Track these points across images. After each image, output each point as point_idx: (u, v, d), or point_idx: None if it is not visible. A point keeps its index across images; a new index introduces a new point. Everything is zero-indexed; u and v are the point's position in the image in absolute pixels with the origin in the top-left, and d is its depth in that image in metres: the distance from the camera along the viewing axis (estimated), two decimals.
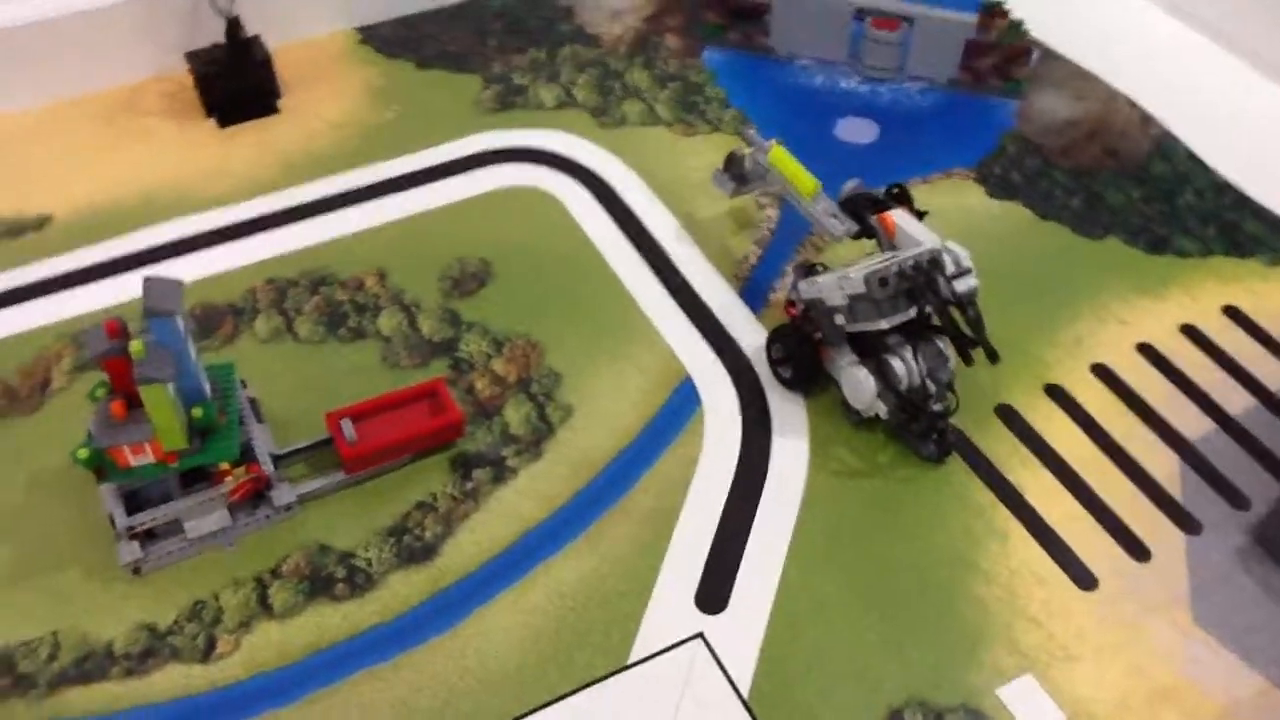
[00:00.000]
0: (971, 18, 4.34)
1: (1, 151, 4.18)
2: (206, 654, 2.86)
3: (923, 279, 3.15)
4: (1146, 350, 3.54)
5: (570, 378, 3.46)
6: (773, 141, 3.64)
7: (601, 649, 2.85)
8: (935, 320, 3.20)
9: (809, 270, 3.45)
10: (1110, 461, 3.25)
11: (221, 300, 3.66)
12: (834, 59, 4.56)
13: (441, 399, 3.26)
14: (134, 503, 2.99)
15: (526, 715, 2.73)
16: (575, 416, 3.36)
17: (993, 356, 3.20)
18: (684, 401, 3.40)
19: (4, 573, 3.00)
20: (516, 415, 3.36)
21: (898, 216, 3.37)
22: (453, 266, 3.77)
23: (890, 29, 4.40)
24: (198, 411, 2.91)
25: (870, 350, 3.26)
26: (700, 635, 2.88)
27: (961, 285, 3.23)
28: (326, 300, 3.66)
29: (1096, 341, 3.57)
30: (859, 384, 3.24)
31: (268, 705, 2.76)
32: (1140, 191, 4.08)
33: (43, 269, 3.75)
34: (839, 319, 3.23)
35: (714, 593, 2.97)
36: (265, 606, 2.95)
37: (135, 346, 2.74)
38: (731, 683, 2.78)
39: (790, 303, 3.49)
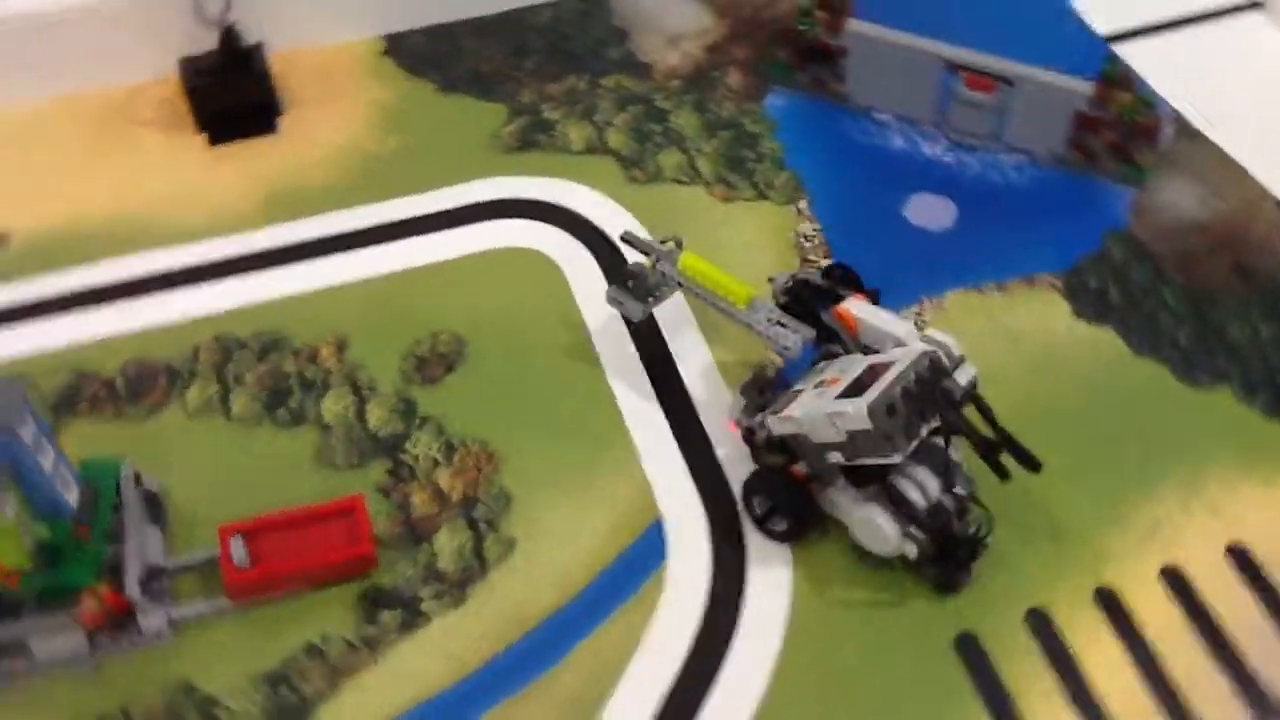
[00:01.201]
0: (1085, 86, 3.58)
1: None
2: None
3: (934, 393, 2.58)
4: (1240, 557, 2.80)
5: (522, 502, 2.93)
6: (677, 247, 3.09)
7: None
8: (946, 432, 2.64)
9: (763, 386, 2.85)
10: (1161, 712, 2.55)
11: (160, 356, 3.25)
12: (917, 117, 3.85)
13: (357, 523, 2.78)
14: None
15: None
16: (515, 555, 2.84)
17: (1031, 463, 2.69)
18: (647, 552, 2.83)
19: None
20: (449, 545, 2.86)
21: (855, 308, 2.82)
22: (423, 342, 3.27)
23: (985, 90, 3.67)
24: (42, 530, 2.50)
25: (868, 475, 2.66)
26: None
27: (964, 378, 2.69)
28: (272, 371, 3.21)
29: (1176, 533, 2.85)
30: (876, 528, 2.65)
31: None
32: (1272, 329, 3.29)
33: None
34: (834, 456, 2.63)
35: None
36: None
37: None
38: None
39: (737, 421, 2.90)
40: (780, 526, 2.82)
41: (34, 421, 2.44)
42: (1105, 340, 3.27)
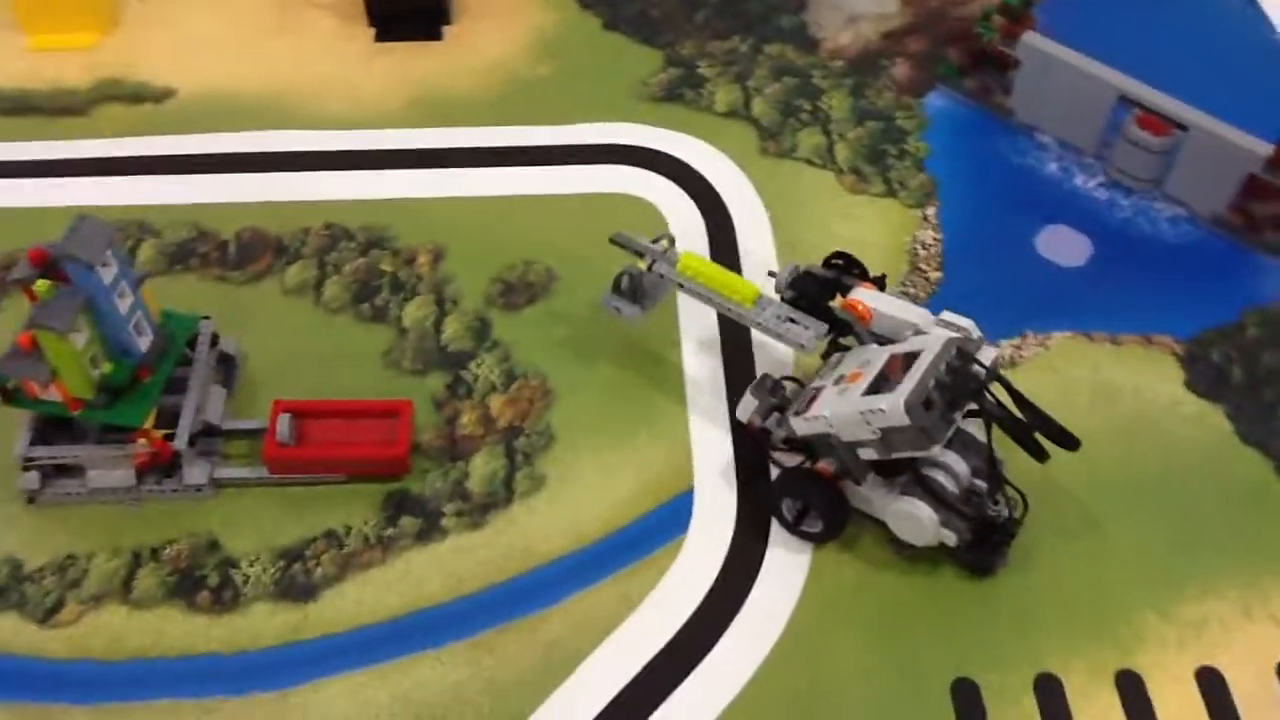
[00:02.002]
0: (1265, 147, 3.29)
1: (164, 11, 4.08)
2: (47, 616, 2.68)
3: (966, 381, 2.51)
4: None
5: (562, 444, 2.96)
6: (674, 246, 2.96)
7: None
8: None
9: (775, 386, 2.77)
10: None
11: (274, 231, 3.40)
12: (1079, 146, 3.63)
13: (400, 426, 2.86)
14: (53, 433, 2.83)
15: None
16: (541, 493, 2.88)
17: (1068, 441, 2.62)
18: (669, 520, 2.83)
19: None
20: (483, 468, 2.92)
21: (867, 297, 2.72)
22: (515, 268, 3.32)
23: (1156, 132, 3.42)
24: (107, 367, 2.67)
25: (896, 466, 2.61)
26: None
27: (987, 359, 2.61)
28: (369, 266, 3.32)
29: (1226, 635, 2.65)
30: (914, 520, 2.60)
31: (68, 697, 2.55)
32: None
33: (138, 145, 3.63)
34: (866, 453, 2.57)
35: None
36: (126, 587, 2.72)
37: (41, 286, 2.52)
38: None
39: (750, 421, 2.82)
40: (815, 528, 2.76)
41: (117, 264, 2.60)
42: (1212, 419, 3.04)
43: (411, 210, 3.46)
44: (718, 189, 3.53)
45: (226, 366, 3.04)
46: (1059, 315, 3.24)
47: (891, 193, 3.53)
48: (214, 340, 2.97)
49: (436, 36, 3.95)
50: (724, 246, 3.38)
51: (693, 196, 3.52)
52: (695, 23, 4.05)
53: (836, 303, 2.78)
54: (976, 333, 2.66)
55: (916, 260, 3.36)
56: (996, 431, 2.59)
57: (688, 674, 2.58)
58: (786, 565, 2.75)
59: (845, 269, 2.93)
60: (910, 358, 2.52)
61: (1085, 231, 3.46)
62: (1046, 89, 3.61)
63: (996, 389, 2.62)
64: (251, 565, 2.76)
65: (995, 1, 3.70)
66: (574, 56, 3.91)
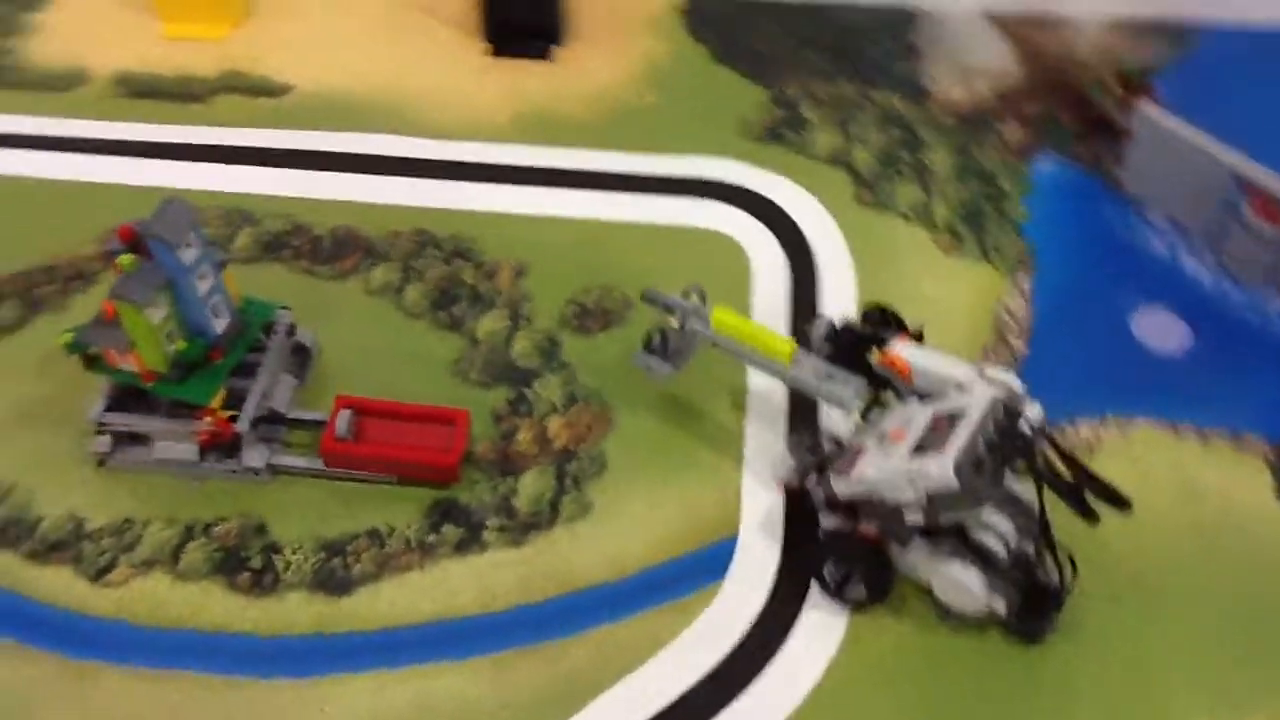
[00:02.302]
0: None
1: (295, 6, 4.22)
2: (99, 575, 2.78)
3: (1015, 441, 2.44)
4: None
5: (614, 473, 2.95)
6: (706, 302, 2.90)
7: None
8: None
9: (814, 444, 2.71)
10: None
11: (365, 232, 3.48)
12: (1191, 228, 3.49)
13: (455, 435, 2.90)
14: (128, 402, 2.94)
15: None
16: (585, 520, 2.87)
17: (1120, 502, 2.54)
18: (710, 564, 2.79)
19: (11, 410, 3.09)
20: (531, 488, 2.93)
21: (908, 353, 2.64)
22: (592, 293, 3.33)
23: (1273, 221, 3.27)
24: (181, 344, 2.76)
25: (941, 529, 2.53)
26: None
27: (1033, 415, 2.52)
28: (451, 275, 3.37)
29: None
30: (963, 587, 2.53)
31: (103, 656, 2.64)
32: None
33: (251, 136, 3.77)
34: (912, 516, 2.49)
35: None
36: (174, 558, 2.81)
37: (125, 260, 2.62)
38: None
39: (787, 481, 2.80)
40: (858, 594, 2.69)
41: (200, 247, 2.69)
42: None
43: (501, 224, 3.51)
44: (807, 235, 3.50)
45: (300, 357, 3.11)
46: (1146, 402, 3.11)
47: (985, 256, 3.45)
48: (290, 330, 3.05)
49: (548, 57, 4.00)
50: (806, 295, 3.34)
51: (780, 240, 3.48)
52: (805, 63, 4.03)
53: (874, 357, 2.72)
54: (1020, 388, 2.58)
55: (1002, 328, 3.26)
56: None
57: None
58: (823, 625, 2.68)
59: (882, 322, 2.88)
60: (955, 416, 2.46)
61: (1186, 317, 3.31)
62: (1159, 163, 3.49)
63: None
64: (294, 553, 2.81)
65: (1116, 67, 3.60)
66: (681, 87, 3.92)
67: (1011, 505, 2.56)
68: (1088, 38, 4.04)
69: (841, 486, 2.55)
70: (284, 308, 3.07)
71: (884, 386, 2.72)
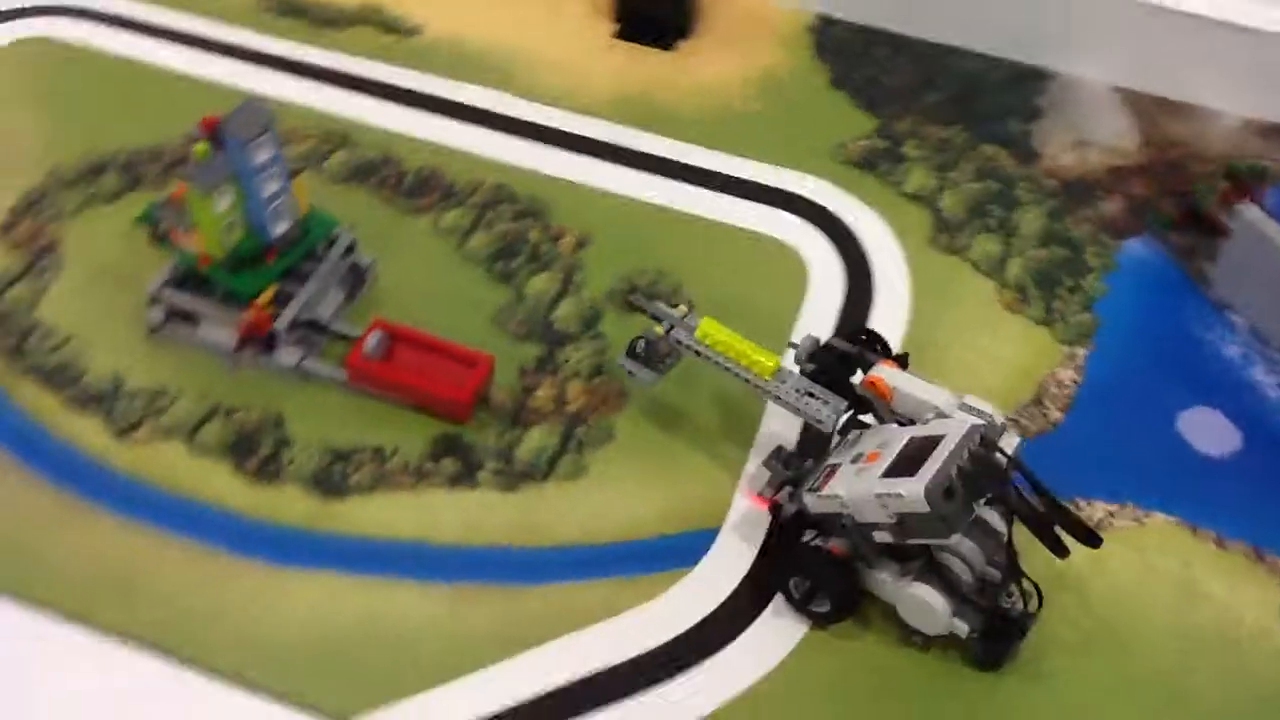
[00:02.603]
0: None
1: None
2: (124, 432, 2.98)
3: (989, 470, 2.44)
4: None
5: (617, 445, 3.01)
6: (693, 312, 2.89)
7: (348, 687, 2.56)
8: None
9: (789, 458, 2.74)
10: None
11: (449, 176, 3.62)
12: (1271, 339, 3.35)
13: (473, 376, 3.00)
14: (186, 282, 3.13)
15: None
16: (578, 482, 2.94)
17: (1089, 538, 2.53)
18: (683, 551, 2.82)
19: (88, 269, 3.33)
20: (536, 442, 3.01)
21: (889, 376, 2.64)
22: (646, 274, 3.39)
23: None
24: (238, 237, 2.93)
25: (909, 550, 2.54)
26: None
27: (1008, 445, 2.54)
28: (519, 231, 3.48)
29: None
30: (927, 608, 2.54)
31: (107, 503, 2.84)
32: None
33: (371, 69, 3.95)
34: (881, 536, 2.51)
35: None
36: (194, 432, 2.99)
37: (200, 148, 2.80)
38: None
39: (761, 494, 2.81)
40: (822, 608, 2.69)
41: (273, 149, 2.86)
42: None
43: (577, 194, 3.60)
44: (872, 263, 3.49)
45: (356, 277, 3.26)
46: (1171, 498, 3.00)
47: (1048, 321, 3.37)
48: (349, 249, 3.20)
49: (669, 48, 4.09)
50: (855, 318, 3.33)
51: (845, 264, 3.49)
52: (922, 102, 4.01)
53: (857, 379, 2.72)
54: (1000, 419, 2.58)
55: (1044, 395, 3.19)
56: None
57: (625, 697, 2.57)
58: (775, 632, 2.69)
59: (868, 344, 2.86)
60: (931, 442, 2.45)
61: (1241, 425, 3.19)
62: (1251, 268, 3.36)
63: None
64: (302, 451, 2.96)
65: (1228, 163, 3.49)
66: (788, 102, 3.95)
67: (980, 531, 2.55)
68: (1216, 131, 3.91)
69: (813, 502, 2.56)
70: (349, 228, 3.22)
71: (865, 409, 2.72)
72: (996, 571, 2.57)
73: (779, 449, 2.81)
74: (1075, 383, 3.25)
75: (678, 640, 2.67)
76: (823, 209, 3.62)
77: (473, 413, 3.00)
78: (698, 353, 2.83)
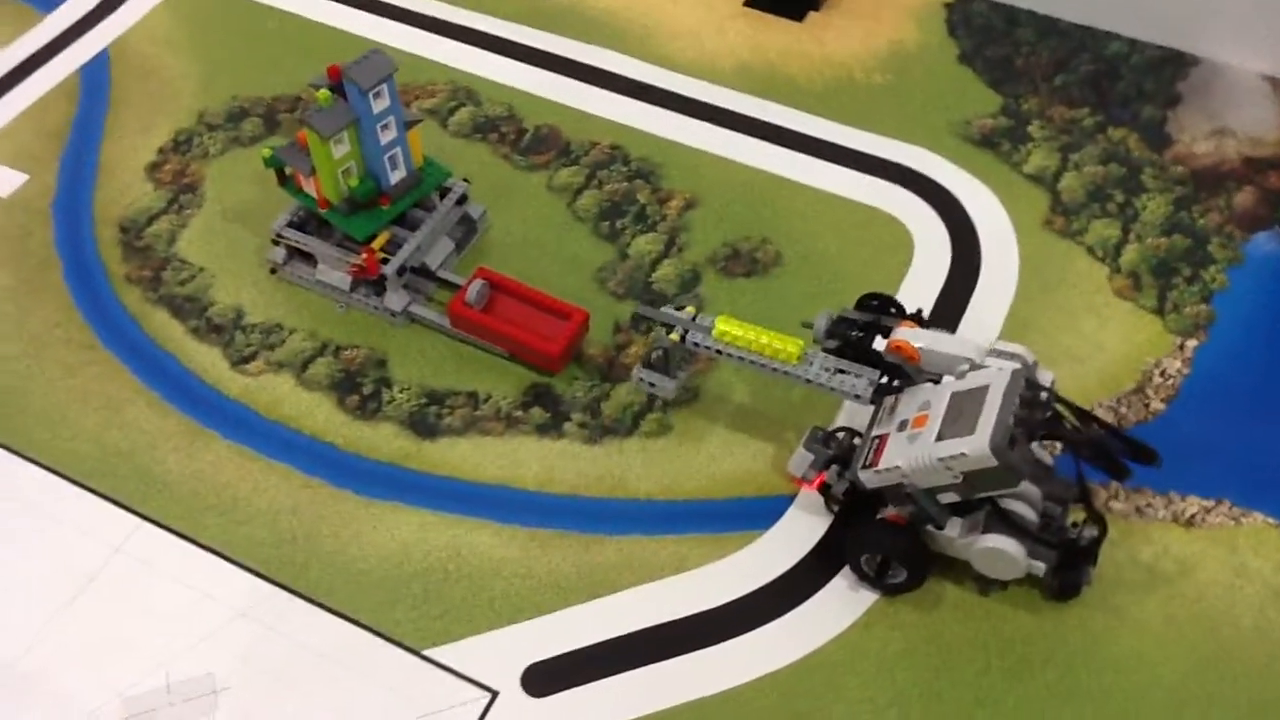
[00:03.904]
0: None
1: None
2: (239, 362, 3.17)
3: (1040, 412, 2.49)
4: None
5: (703, 406, 3.06)
6: (701, 312, 2.88)
7: (425, 618, 2.70)
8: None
9: (828, 438, 2.74)
10: None
11: (567, 135, 3.70)
12: None
13: (567, 329, 3.08)
14: (307, 224, 3.29)
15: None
16: (660, 439, 3.00)
17: (1147, 456, 2.57)
18: (758, 514, 2.87)
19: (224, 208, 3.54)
20: (622, 398, 3.08)
21: (913, 337, 2.62)
22: (750, 240, 3.41)
23: None
24: (353, 182, 3.07)
25: (972, 504, 2.56)
26: (495, 694, 2.58)
27: (1045, 379, 2.58)
28: (627, 192, 3.54)
29: None
30: (1004, 556, 2.56)
31: (219, 428, 3.04)
32: None
33: (503, 28, 4.05)
34: (947, 497, 2.53)
35: (552, 679, 2.62)
36: (303, 367, 3.15)
37: (322, 95, 2.94)
38: None
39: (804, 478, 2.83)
40: (898, 578, 2.70)
41: (390, 100, 2.98)
42: None
43: (689, 158, 3.64)
44: (981, 241, 3.43)
45: (467, 228, 3.38)
46: (1270, 499, 2.90)
47: (1160, 311, 3.26)
48: (462, 200, 3.32)
49: (800, 17, 4.07)
50: (957, 296, 3.29)
51: (953, 241, 3.44)
52: (1053, 84, 3.89)
53: (881, 345, 2.70)
54: (1031, 357, 2.58)
55: (1147, 384, 3.10)
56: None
57: (686, 651, 2.64)
58: (841, 603, 2.71)
59: (882, 309, 2.83)
60: (977, 395, 2.44)
61: None
62: None
63: None
64: (401, 392, 3.10)
65: None
66: (914, 77, 3.89)
67: (1034, 469, 2.56)
68: None
69: (870, 478, 2.56)
70: (464, 180, 3.34)
71: (895, 374, 2.70)
72: (1057, 505, 2.62)
73: (815, 429, 2.80)
74: (1182, 374, 3.14)
75: (746, 600, 2.72)
76: (936, 185, 3.57)
77: (564, 365, 3.09)
78: (719, 351, 2.78)
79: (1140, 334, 3.22)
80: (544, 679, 2.62)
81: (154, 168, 3.68)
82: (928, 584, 2.71)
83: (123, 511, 2.88)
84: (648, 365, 2.92)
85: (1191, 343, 3.20)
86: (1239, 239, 3.46)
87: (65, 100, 3.88)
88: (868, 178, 3.59)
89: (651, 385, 2.93)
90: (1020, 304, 3.28)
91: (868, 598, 2.71)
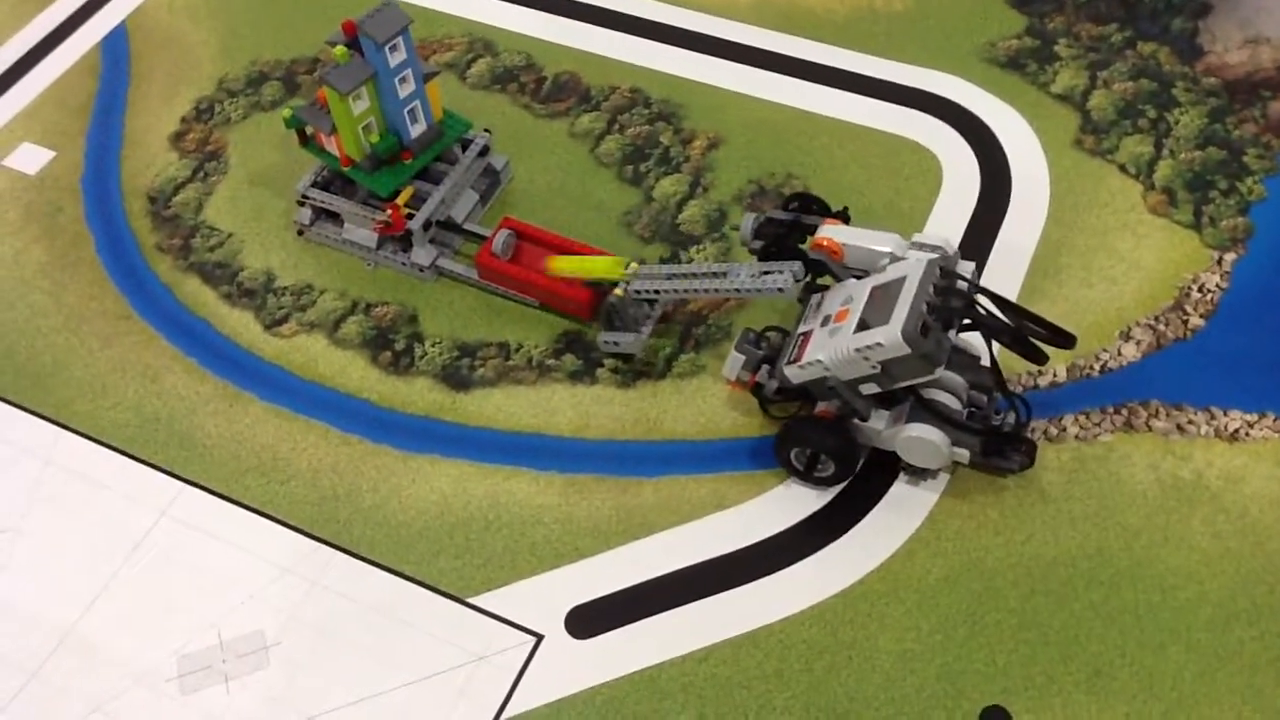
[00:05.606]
0: None
1: None
2: (272, 324, 3.19)
3: (954, 299, 2.47)
4: None
5: (732, 345, 3.04)
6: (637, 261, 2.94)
7: (468, 567, 2.73)
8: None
9: (758, 339, 2.76)
10: None
11: (586, 81, 3.67)
12: None
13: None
14: (331, 184, 3.30)
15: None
16: (693, 380, 3.00)
17: (1065, 339, 2.55)
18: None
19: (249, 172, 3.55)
20: (654, 341, 3.07)
21: (835, 234, 2.64)
22: (775, 177, 3.38)
23: None
24: (375, 139, 3.06)
25: (896, 395, 2.59)
26: (540, 638, 2.61)
27: (965, 272, 2.58)
28: (650, 135, 3.51)
29: None
30: (928, 445, 2.59)
31: (254, 389, 3.06)
32: None
33: None
34: (868, 388, 2.55)
35: (596, 620, 2.64)
36: (335, 326, 3.17)
37: (338, 51, 2.93)
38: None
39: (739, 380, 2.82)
40: (826, 472, 2.73)
41: (407, 53, 2.96)
42: None
43: (710, 97, 3.60)
44: (1011, 165, 3.38)
45: (490, 179, 3.37)
46: None
47: (1196, 225, 3.20)
48: (484, 151, 3.31)
49: None
50: (988, 222, 3.25)
51: (982, 166, 3.38)
52: (1079, 0, 3.81)
53: (806, 244, 2.70)
54: (952, 248, 2.59)
55: (1184, 300, 3.05)
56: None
57: (728, 588, 2.65)
58: (881, 534, 2.71)
59: (804, 208, 2.83)
60: (894, 286, 2.44)
61: None
62: None
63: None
64: (433, 346, 3.11)
65: None
66: (937, 1, 3.81)
67: (957, 360, 2.57)
68: None
69: (794, 374, 2.58)
70: (485, 131, 3.32)
71: (820, 271, 2.70)
72: (982, 395, 2.66)
73: (746, 330, 2.80)
74: (1220, 289, 3.09)
75: (785, 535, 2.72)
76: (963, 110, 3.52)
77: (595, 311, 3.08)
78: (658, 292, 2.86)
79: (1176, 250, 3.16)
80: (588, 621, 2.64)
81: (178, 137, 3.69)
82: (968, 511, 2.70)
83: (166, 477, 2.92)
84: (609, 328, 2.97)
85: (1230, 256, 3.14)
86: (1277, 148, 3.38)
87: (87, 75, 3.90)
88: (893, 107, 3.53)
89: (616, 344, 2.98)
90: (1052, 226, 3.23)
91: (908, 527, 2.71)
